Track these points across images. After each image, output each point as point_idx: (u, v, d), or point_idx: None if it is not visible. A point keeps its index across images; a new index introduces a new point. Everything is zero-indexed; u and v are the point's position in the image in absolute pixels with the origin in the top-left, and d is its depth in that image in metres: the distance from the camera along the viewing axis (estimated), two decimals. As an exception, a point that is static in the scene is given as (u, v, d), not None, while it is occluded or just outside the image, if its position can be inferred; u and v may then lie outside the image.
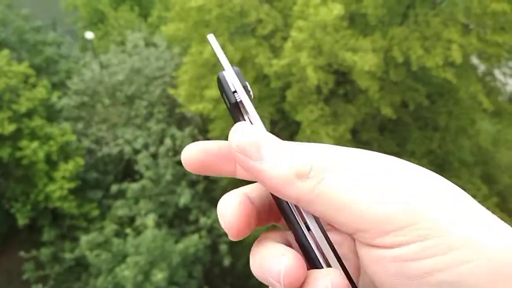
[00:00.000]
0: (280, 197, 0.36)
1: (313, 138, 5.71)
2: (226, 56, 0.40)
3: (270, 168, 0.35)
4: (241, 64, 6.12)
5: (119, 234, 6.67)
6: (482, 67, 6.54)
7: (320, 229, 0.37)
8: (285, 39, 5.89)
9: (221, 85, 0.40)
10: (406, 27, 5.62)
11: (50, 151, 7.12)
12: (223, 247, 6.55)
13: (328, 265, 0.37)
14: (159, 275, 5.73)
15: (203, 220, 6.61)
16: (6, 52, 7.58)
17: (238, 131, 0.37)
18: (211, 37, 0.40)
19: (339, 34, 5.51)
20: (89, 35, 10.65)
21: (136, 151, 7.40)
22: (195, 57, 6.39)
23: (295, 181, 0.34)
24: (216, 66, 6.32)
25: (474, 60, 6.35)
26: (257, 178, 0.36)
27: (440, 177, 0.36)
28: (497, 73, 6.59)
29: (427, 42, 5.48)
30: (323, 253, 0.37)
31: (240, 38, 6.15)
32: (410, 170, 0.36)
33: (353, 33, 5.61)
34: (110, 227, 6.67)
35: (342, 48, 5.44)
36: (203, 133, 7.56)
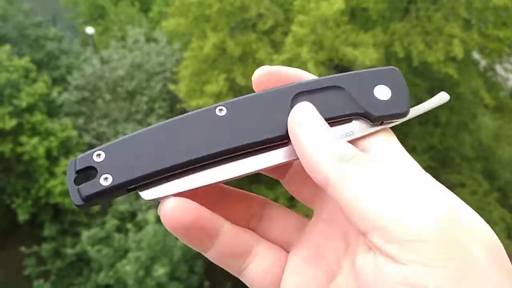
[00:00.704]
0: (312, 174, 0.37)
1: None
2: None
3: (315, 141, 0.37)
4: (242, 59, 6.11)
5: (120, 229, 6.68)
6: (483, 62, 6.52)
7: None
8: (285, 34, 5.88)
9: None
10: (407, 22, 5.60)
11: (50, 147, 7.12)
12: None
13: None
14: (160, 270, 5.74)
15: (204, 215, 6.61)
16: (7, 47, 7.58)
17: (302, 106, 0.39)
18: (445, 95, 0.45)
19: (340, 29, 5.50)
20: (90, 30, 10.64)
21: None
22: (196, 52, 6.38)
23: (333, 158, 0.35)
24: (216, 60, 6.31)
25: (475, 55, 6.33)
26: (300, 148, 0.37)
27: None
28: (498, 68, 6.57)
29: (428, 37, 5.47)
30: None
31: (240, 33, 6.13)
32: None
33: (354, 28, 5.60)
34: (111, 223, 6.68)
35: (343, 43, 5.43)
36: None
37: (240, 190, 0.45)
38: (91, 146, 7.83)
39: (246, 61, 6.13)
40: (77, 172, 0.37)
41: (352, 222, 0.34)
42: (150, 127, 0.38)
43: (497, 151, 7.13)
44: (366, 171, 0.34)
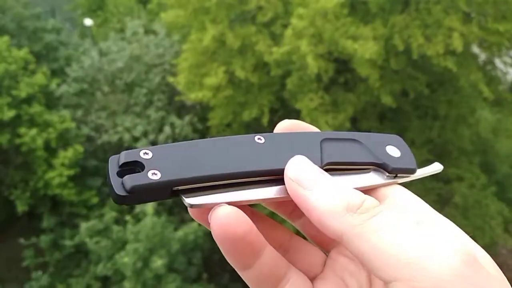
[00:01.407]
0: (324, 231, 0.36)
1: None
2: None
3: (320, 197, 0.35)
4: (241, 51, 6.10)
5: (118, 221, 6.69)
6: (482, 56, 6.52)
7: None
8: (285, 26, 5.87)
9: None
10: (407, 15, 5.59)
11: (49, 138, 7.12)
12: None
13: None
14: (158, 262, 5.76)
15: (202, 208, 6.61)
16: (6, 38, 7.55)
17: (296, 161, 0.38)
18: (439, 166, 0.47)
19: (340, 21, 5.48)
20: (88, 22, 10.60)
21: (136, 139, 7.39)
22: (195, 45, 6.36)
23: (343, 213, 0.34)
24: (215, 53, 6.30)
25: (475, 48, 6.32)
26: (305, 208, 0.36)
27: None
28: (497, 62, 6.57)
29: (428, 30, 5.46)
30: None
31: (240, 25, 6.11)
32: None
33: (354, 21, 5.58)
34: (109, 215, 6.69)
35: (342, 36, 5.42)
36: (203, 121, 7.56)
37: (270, 218, 0.44)
38: (90, 138, 7.83)
39: (246, 54, 6.12)
40: (121, 166, 0.37)
41: (372, 272, 0.34)
42: (193, 140, 0.40)
43: (496, 144, 7.16)
44: (379, 222, 0.34)
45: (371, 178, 0.42)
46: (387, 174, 0.43)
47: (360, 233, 0.33)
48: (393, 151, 0.44)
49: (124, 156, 0.37)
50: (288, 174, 0.38)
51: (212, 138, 0.40)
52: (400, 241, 0.32)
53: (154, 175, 0.36)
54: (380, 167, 0.43)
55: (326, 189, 0.36)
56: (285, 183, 0.38)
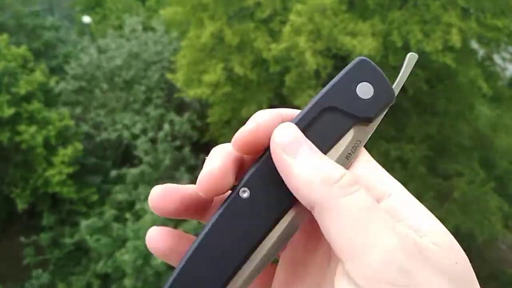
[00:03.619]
0: (299, 198, 0.36)
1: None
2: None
3: (301, 165, 0.35)
4: (240, 48, 6.09)
5: (118, 219, 6.69)
6: (481, 52, 6.52)
7: None
8: (283, 23, 5.86)
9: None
10: (405, 11, 5.58)
11: (48, 136, 7.12)
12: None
13: None
14: (158, 259, 5.77)
15: (202, 205, 6.61)
16: (5, 36, 7.54)
17: (284, 126, 0.37)
18: (413, 56, 0.43)
19: (338, 18, 5.48)
20: (87, 19, 10.58)
21: (135, 136, 7.39)
22: (193, 42, 6.36)
23: (319, 185, 0.34)
24: (214, 50, 6.29)
25: (474, 44, 6.32)
26: (285, 173, 0.36)
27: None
28: (496, 57, 6.57)
29: (426, 26, 5.46)
30: None
31: (238, 22, 6.11)
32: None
33: (352, 17, 5.58)
34: (109, 212, 6.70)
35: (341, 32, 5.42)
36: (202, 118, 7.55)
37: None
38: (89, 136, 7.83)
39: (244, 50, 6.11)
40: None
41: (332, 248, 0.35)
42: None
43: (495, 140, 7.15)
44: (351, 201, 0.34)
45: (355, 136, 0.39)
46: (365, 124, 0.40)
47: (330, 207, 0.34)
48: (365, 90, 0.41)
49: None
50: (274, 138, 0.37)
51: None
52: (359, 228, 0.33)
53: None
54: (361, 122, 0.40)
55: (308, 158, 0.36)
56: (270, 146, 0.37)
